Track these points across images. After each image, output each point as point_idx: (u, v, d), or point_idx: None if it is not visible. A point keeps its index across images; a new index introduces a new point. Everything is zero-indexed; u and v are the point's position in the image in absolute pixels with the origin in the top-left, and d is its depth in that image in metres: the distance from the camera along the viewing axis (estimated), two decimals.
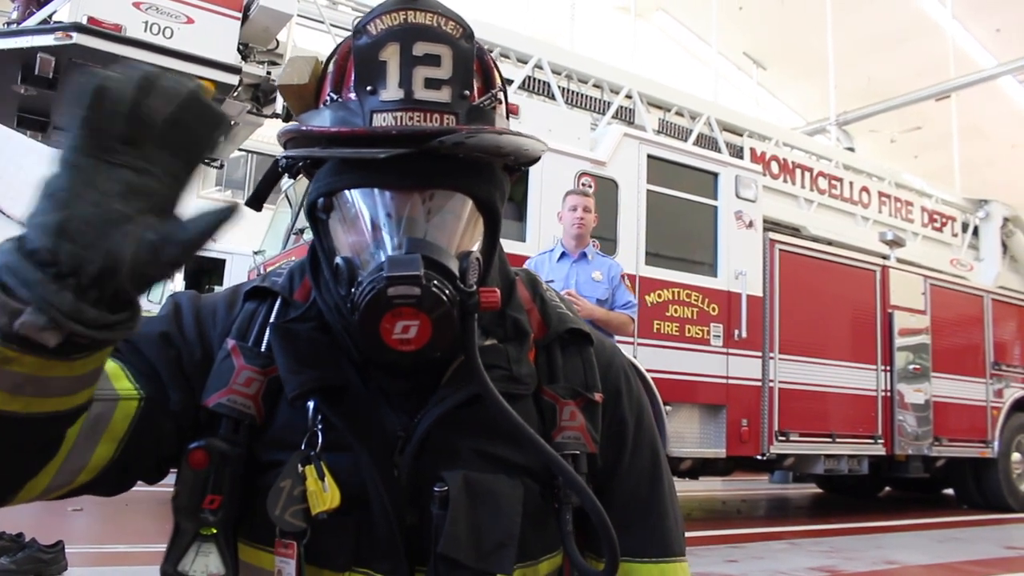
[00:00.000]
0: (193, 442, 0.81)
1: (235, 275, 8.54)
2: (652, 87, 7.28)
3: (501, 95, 0.86)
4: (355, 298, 0.75)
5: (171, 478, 0.85)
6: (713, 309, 5.76)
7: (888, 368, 6.93)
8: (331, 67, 0.84)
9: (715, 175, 6.05)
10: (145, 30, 4.37)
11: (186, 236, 0.59)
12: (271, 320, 0.89)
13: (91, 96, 0.57)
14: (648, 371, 5.17)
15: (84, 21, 4.20)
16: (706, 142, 7.13)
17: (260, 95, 5.24)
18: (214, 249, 9.02)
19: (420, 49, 0.77)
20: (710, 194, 6.01)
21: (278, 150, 0.86)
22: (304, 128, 0.82)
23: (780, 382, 6.10)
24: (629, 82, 7.01)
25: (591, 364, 0.95)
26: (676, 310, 5.57)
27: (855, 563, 4.73)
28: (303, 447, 0.81)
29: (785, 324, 6.19)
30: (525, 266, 4.10)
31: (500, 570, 0.79)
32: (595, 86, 6.90)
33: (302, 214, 5.12)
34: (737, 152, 7.20)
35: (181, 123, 0.60)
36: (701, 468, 6.25)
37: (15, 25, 4.52)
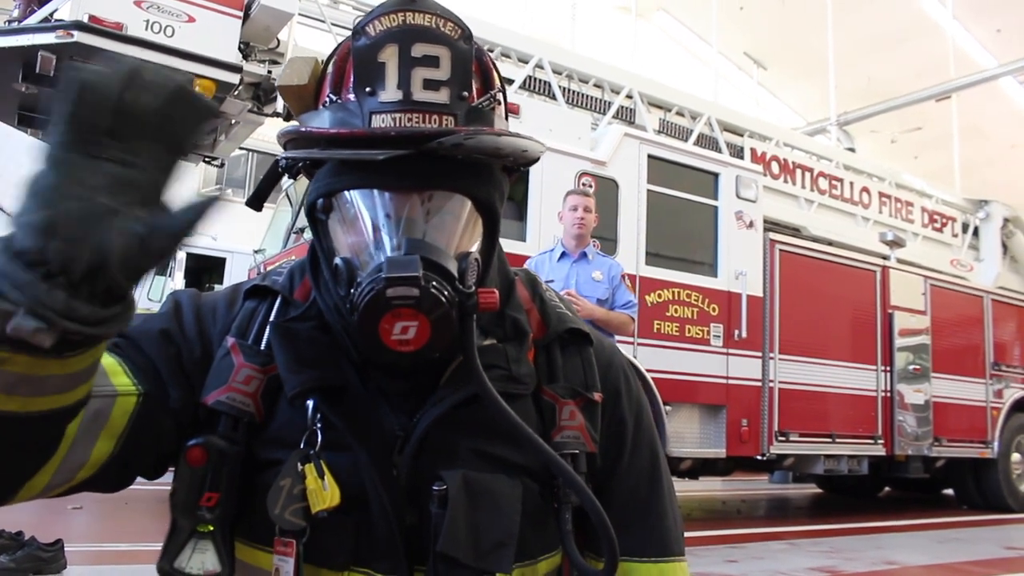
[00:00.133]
0: (192, 439, 0.81)
1: (235, 274, 8.55)
2: (653, 87, 7.28)
3: (500, 96, 0.86)
4: (354, 299, 0.75)
5: (170, 476, 0.85)
6: (713, 309, 5.76)
7: (888, 368, 6.93)
8: (330, 68, 0.84)
9: (715, 175, 6.05)
10: (146, 28, 4.37)
11: (174, 226, 0.59)
12: (271, 319, 0.89)
13: (76, 91, 0.57)
14: (648, 371, 5.17)
15: (85, 19, 4.20)
16: (707, 142, 7.13)
17: (261, 94, 5.24)
18: (215, 248, 9.04)
19: (419, 50, 0.77)
20: (710, 194, 6.01)
21: (278, 149, 0.86)
22: (304, 129, 0.82)
23: (780, 382, 6.10)
24: (630, 82, 7.01)
25: (591, 364, 0.95)
26: (676, 310, 5.57)
27: (855, 563, 4.73)
28: (302, 446, 0.81)
29: (785, 324, 6.19)
30: (525, 266, 4.10)
31: (499, 569, 0.79)
32: (596, 86, 6.90)
33: (302, 213, 5.13)
34: (737, 152, 7.20)
35: (167, 116, 0.60)
36: (701, 468, 6.26)
37: (16, 23, 4.52)
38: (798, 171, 7.69)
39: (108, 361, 0.79)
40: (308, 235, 5.06)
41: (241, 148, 7.24)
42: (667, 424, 5.33)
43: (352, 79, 0.80)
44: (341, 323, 0.85)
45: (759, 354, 6.00)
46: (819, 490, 9.80)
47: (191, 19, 4.51)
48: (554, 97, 6.43)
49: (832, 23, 13.70)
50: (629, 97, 6.92)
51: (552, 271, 4.15)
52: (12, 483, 0.70)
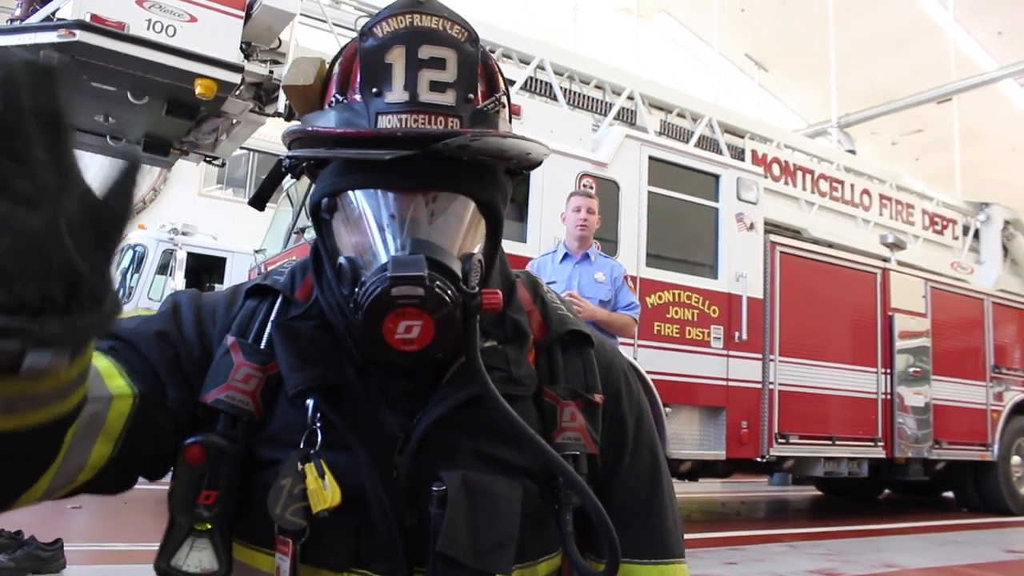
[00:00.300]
0: (190, 437, 0.81)
1: (236, 274, 8.55)
2: (654, 88, 7.28)
3: (505, 99, 0.87)
4: (358, 298, 0.75)
5: (170, 476, 0.85)
6: (713, 311, 5.77)
7: (888, 371, 6.93)
8: (336, 68, 0.85)
9: (716, 177, 6.05)
10: (148, 28, 4.37)
11: (114, 207, 0.56)
12: (271, 318, 0.89)
13: None
14: (648, 373, 5.17)
15: (87, 18, 4.20)
16: (707, 144, 7.13)
17: (262, 94, 5.24)
18: (215, 248, 9.05)
19: (425, 52, 0.78)
20: (711, 196, 6.01)
21: (280, 149, 0.86)
22: (309, 129, 0.82)
23: (780, 384, 6.10)
24: (631, 83, 7.01)
25: (591, 365, 0.95)
26: (677, 312, 5.57)
27: (854, 566, 4.73)
28: (302, 445, 0.81)
29: (785, 326, 6.19)
30: (528, 267, 4.11)
31: (498, 570, 0.79)
32: (597, 87, 6.90)
33: (303, 213, 5.13)
34: (738, 154, 7.20)
35: (22, 105, 0.51)
36: (701, 470, 6.26)
37: (18, 22, 4.52)
38: (799, 173, 7.69)
39: (104, 364, 0.78)
40: (309, 235, 5.06)
41: (242, 148, 7.23)
42: (667, 426, 5.33)
43: (359, 80, 0.80)
44: (344, 323, 0.85)
45: (759, 356, 6.00)
46: (819, 492, 9.80)
47: (193, 19, 4.51)
48: (555, 98, 6.43)
49: (833, 25, 13.71)
50: (630, 98, 6.92)
51: (555, 272, 4.15)
52: (13, 491, 0.69)
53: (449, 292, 0.75)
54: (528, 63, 6.40)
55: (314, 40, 5.67)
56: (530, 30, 9.47)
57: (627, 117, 6.85)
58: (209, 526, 0.79)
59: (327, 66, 0.87)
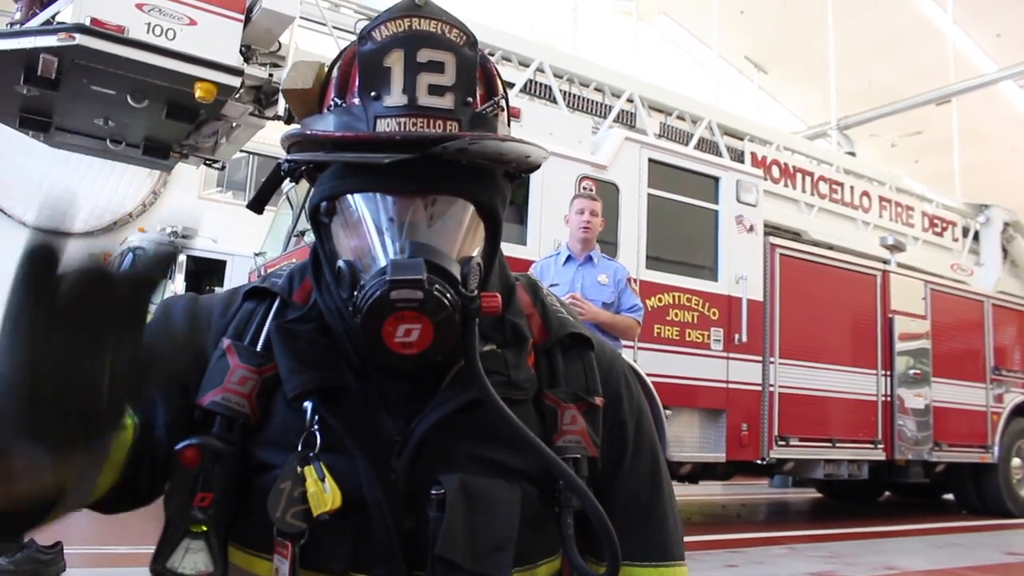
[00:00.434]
0: (185, 440, 0.81)
1: (236, 277, 8.55)
2: (653, 91, 7.28)
3: (503, 102, 0.87)
4: (357, 301, 0.75)
5: None
6: (713, 313, 5.76)
7: (888, 373, 6.92)
8: (335, 72, 0.85)
9: (716, 179, 6.05)
10: (148, 31, 4.37)
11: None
12: (269, 320, 0.89)
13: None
14: (648, 375, 5.16)
15: (87, 22, 4.20)
16: (707, 146, 7.13)
17: (262, 97, 5.24)
18: (215, 251, 9.05)
19: (424, 56, 0.78)
20: (711, 198, 6.01)
21: (279, 152, 0.86)
22: (308, 132, 0.82)
23: (780, 386, 6.10)
24: (630, 86, 7.01)
25: (592, 368, 0.95)
26: (676, 314, 5.57)
27: (855, 568, 4.72)
28: (300, 448, 0.80)
29: (785, 328, 6.19)
30: (530, 270, 4.11)
31: (497, 573, 0.79)
32: (596, 90, 6.90)
33: (302, 216, 5.13)
34: (738, 156, 7.20)
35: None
36: (701, 472, 6.24)
37: (18, 26, 4.52)
38: (798, 175, 7.69)
39: None
40: (309, 238, 5.04)
41: (242, 151, 7.23)
42: (667, 428, 5.32)
43: (357, 83, 0.80)
44: (342, 326, 0.85)
45: (759, 358, 6.00)
46: (819, 495, 9.79)
47: (192, 22, 4.51)
48: (555, 101, 6.43)
49: (832, 27, 13.72)
50: (630, 101, 6.91)
51: (557, 275, 4.15)
52: (24, 527, 0.70)
53: (448, 295, 0.75)
54: (528, 65, 6.40)
55: (314, 43, 5.67)
56: (530, 33, 9.49)
57: (627, 119, 6.85)
58: (204, 528, 0.79)
59: (326, 70, 0.87)
